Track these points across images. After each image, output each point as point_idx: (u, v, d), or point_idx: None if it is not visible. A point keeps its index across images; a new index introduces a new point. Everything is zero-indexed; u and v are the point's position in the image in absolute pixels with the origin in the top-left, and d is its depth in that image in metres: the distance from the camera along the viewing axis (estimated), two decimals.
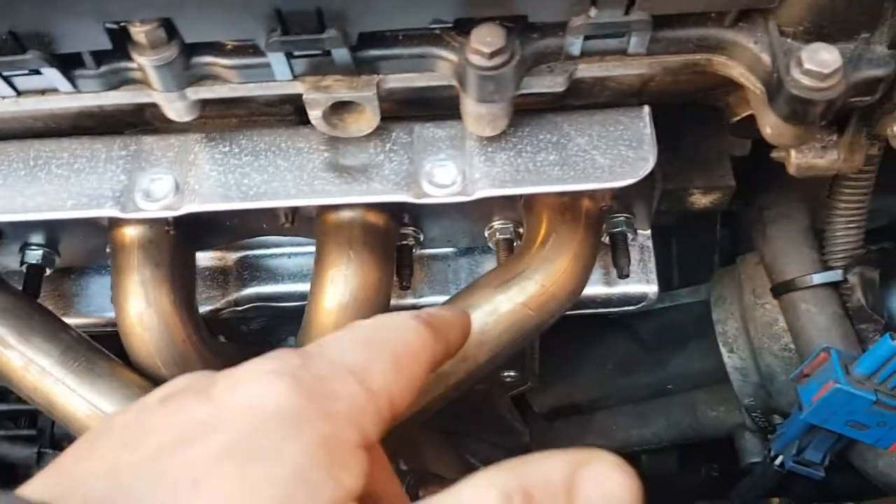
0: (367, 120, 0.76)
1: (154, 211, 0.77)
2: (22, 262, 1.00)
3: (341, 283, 0.91)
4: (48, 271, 1.03)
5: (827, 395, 0.80)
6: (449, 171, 0.78)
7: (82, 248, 1.04)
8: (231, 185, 0.78)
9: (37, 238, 1.01)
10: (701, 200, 1.05)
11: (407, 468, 1.27)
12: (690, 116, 1.02)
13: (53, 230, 1.00)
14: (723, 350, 1.05)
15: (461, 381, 0.91)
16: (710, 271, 1.23)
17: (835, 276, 0.91)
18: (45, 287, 1.11)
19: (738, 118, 0.86)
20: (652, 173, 0.97)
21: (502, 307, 0.90)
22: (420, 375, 0.56)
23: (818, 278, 0.92)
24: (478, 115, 0.73)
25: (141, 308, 0.92)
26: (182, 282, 0.95)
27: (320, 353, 0.53)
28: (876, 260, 0.92)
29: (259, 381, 0.50)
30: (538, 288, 0.90)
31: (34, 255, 1.01)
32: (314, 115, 0.74)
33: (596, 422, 1.25)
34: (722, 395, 1.15)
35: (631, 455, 1.28)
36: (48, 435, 1.13)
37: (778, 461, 0.92)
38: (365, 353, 0.53)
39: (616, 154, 0.77)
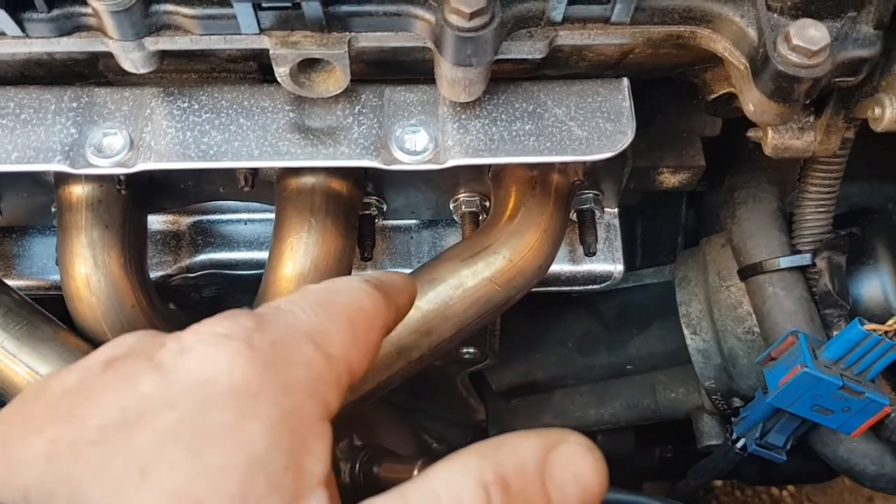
0: (336, 80, 0.73)
1: (106, 167, 0.72)
2: None
3: (301, 250, 0.87)
4: None
5: (794, 379, 0.80)
6: (420, 137, 0.75)
7: (26, 206, 0.99)
8: (189, 142, 0.73)
9: None
10: (670, 179, 1.04)
11: (361, 444, 1.24)
12: (662, 95, 1.00)
13: None
14: (686, 331, 1.05)
15: (424, 356, 0.89)
16: (673, 252, 1.22)
17: (803, 259, 0.91)
18: None
19: (715, 96, 0.84)
20: (623, 151, 0.96)
21: (468, 281, 0.88)
22: (375, 341, 0.53)
23: (786, 262, 0.91)
24: (453, 79, 0.70)
25: (88, 270, 0.87)
26: (133, 245, 0.90)
27: (276, 315, 0.49)
28: (844, 245, 0.91)
29: (210, 346, 0.46)
30: (506, 263, 0.88)
31: None
32: (281, 72, 0.70)
33: (553, 401, 1.24)
34: (681, 377, 1.15)
35: (587, 435, 1.27)
36: None
37: (740, 444, 0.92)
38: (321, 316, 0.50)
39: (594, 126, 0.74)
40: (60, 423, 0.43)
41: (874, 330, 0.80)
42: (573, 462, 0.47)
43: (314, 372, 0.46)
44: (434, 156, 0.74)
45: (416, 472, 1.16)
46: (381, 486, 1.25)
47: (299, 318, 0.49)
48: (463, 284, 0.88)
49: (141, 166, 0.72)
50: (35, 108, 0.75)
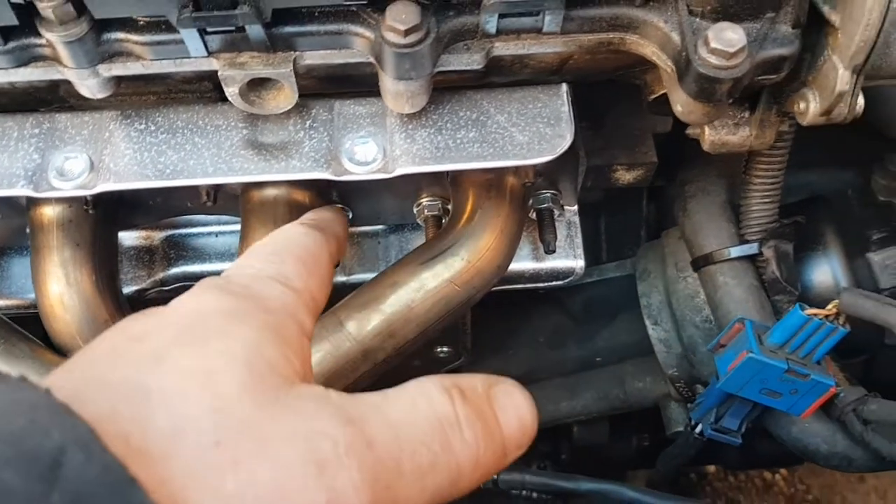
0: (285, 97, 0.76)
1: (68, 190, 0.76)
2: None
3: None
4: None
5: (741, 364, 0.83)
6: (369, 148, 0.78)
7: (2, 228, 1.02)
8: (147, 162, 0.77)
9: None
10: (625, 176, 1.07)
11: None
12: (614, 94, 1.03)
13: None
14: (647, 322, 1.08)
15: (389, 357, 0.92)
16: (637, 246, 1.25)
17: (750, 249, 0.94)
18: None
19: (655, 96, 0.87)
20: (575, 150, 0.99)
21: (429, 283, 0.91)
22: (327, 272, 0.62)
23: (735, 251, 0.95)
24: (396, 92, 0.73)
25: (61, 288, 0.90)
26: (104, 262, 0.93)
27: (238, 271, 0.57)
28: (790, 233, 0.95)
29: (191, 295, 0.52)
30: (464, 264, 0.91)
31: None
32: (231, 91, 0.74)
33: None
34: (648, 367, 1.18)
35: (563, 427, 1.30)
36: None
37: (698, 429, 0.95)
38: (276, 261, 0.58)
39: (534, 131, 0.78)
40: (82, 360, 0.47)
41: (815, 314, 0.83)
42: (512, 395, 0.54)
43: (287, 300, 0.54)
44: (383, 165, 0.78)
45: None
46: None
47: (261, 268, 0.57)
48: (424, 287, 0.91)
49: (101, 188, 0.76)
50: None
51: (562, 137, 0.77)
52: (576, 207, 1.10)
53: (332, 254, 0.65)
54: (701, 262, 0.97)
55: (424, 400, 0.49)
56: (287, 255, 0.59)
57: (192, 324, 0.48)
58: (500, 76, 0.83)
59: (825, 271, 0.99)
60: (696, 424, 0.95)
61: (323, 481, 0.42)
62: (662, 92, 0.87)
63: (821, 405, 0.87)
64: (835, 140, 1.24)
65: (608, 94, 1.03)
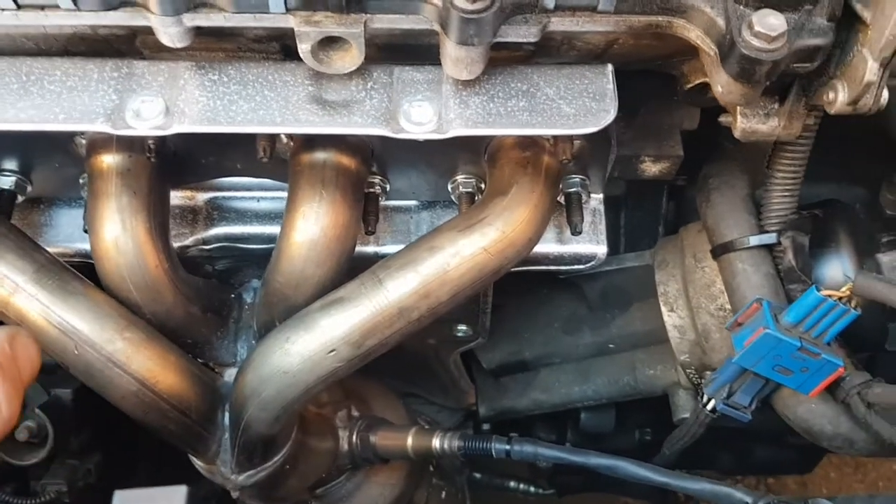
0: (352, 57, 0.81)
1: (144, 130, 0.81)
2: None
3: (312, 218, 0.96)
4: (19, 198, 1.06)
5: (757, 340, 0.88)
6: (425, 110, 0.83)
7: (55, 178, 1.07)
8: (219, 109, 0.82)
9: (10, 164, 1.04)
10: (651, 168, 1.12)
11: (358, 415, 1.32)
12: (646, 90, 1.09)
13: (28, 156, 1.03)
14: (663, 309, 1.13)
15: (422, 317, 0.96)
16: (654, 241, 1.31)
17: (769, 238, 1.00)
18: (15, 216, 1.12)
19: (691, 85, 0.93)
20: (608, 136, 1.05)
21: (464, 250, 0.95)
22: None
23: (754, 240, 1.00)
24: (457, 57, 0.79)
25: (117, 233, 0.95)
26: (157, 212, 0.98)
27: None
28: (807, 226, 1.00)
29: None
30: (498, 234, 0.96)
31: (7, 181, 1.04)
32: (304, 48, 0.79)
33: (540, 378, 1.32)
34: (659, 355, 1.23)
35: (571, 412, 1.35)
36: None
37: (710, 405, 1.00)
38: None
39: (581, 105, 0.83)
40: None
41: (829, 295, 0.89)
42: (28, 346, 0.75)
43: None
44: (437, 127, 0.83)
45: (409, 440, 1.24)
46: (378, 453, 1.31)
47: None
48: (460, 252, 0.95)
49: (175, 129, 0.81)
50: (80, 76, 0.84)
51: (606, 112, 0.83)
52: (601, 196, 1.16)
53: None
54: (720, 250, 1.03)
55: None
56: None
57: None
58: (547, 57, 0.89)
59: (836, 267, 1.05)
60: (709, 401, 1.00)
61: None
62: (698, 82, 0.93)
63: (828, 385, 0.93)
64: (846, 157, 1.30)
65: (641, 89, 1.09)
